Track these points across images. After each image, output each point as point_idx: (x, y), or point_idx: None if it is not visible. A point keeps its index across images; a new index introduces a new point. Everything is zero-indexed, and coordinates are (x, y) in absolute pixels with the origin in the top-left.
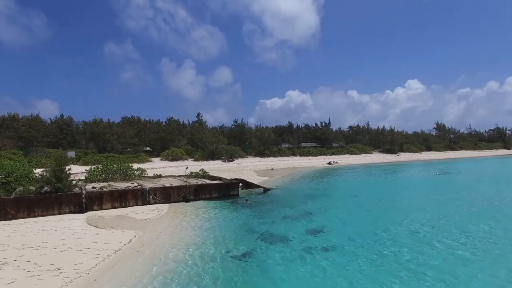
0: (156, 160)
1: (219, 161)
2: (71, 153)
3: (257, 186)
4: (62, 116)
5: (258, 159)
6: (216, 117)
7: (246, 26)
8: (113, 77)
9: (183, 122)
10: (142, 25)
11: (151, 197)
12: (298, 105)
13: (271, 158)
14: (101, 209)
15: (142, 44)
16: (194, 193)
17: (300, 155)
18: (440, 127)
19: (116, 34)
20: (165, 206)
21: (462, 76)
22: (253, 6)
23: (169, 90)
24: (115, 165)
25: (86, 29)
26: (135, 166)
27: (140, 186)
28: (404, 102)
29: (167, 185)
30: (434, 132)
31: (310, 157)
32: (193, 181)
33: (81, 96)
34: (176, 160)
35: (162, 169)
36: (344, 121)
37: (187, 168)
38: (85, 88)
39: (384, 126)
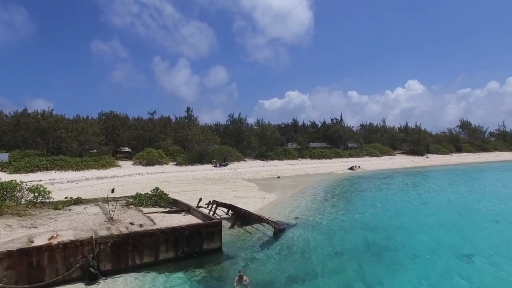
0: (127, 164)
1: (209, 166)
2: (3, 156)
3: (261, 220)
4: (25, 109)
5: (259, 162)
6: (214, 118)
7: (237, 23)
8: (104, 76)
9: (169, 117)
10: (128, 22)
11: None
12: (297, 105)
13: (276, 162)
14: None
15: (130, 42)
16: (112, 255)
17: (311, 158)
18: (465, 125)
19: (102, 31)
20: None
21: (462, 76)
22: (243, 1)
23: (163, 90)
24: None
25: (70, 26)
26: (95, 173)
27: None
28: (404, 102)
29: (42, 241)
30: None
31: (324, 160)
32: (126, 219)
33: (76, 96)
34: (153, 164)
35: (127, 178)
36: (344, 122)
37: (113, 191)
38: (79, 88)
39: (407, 123)
